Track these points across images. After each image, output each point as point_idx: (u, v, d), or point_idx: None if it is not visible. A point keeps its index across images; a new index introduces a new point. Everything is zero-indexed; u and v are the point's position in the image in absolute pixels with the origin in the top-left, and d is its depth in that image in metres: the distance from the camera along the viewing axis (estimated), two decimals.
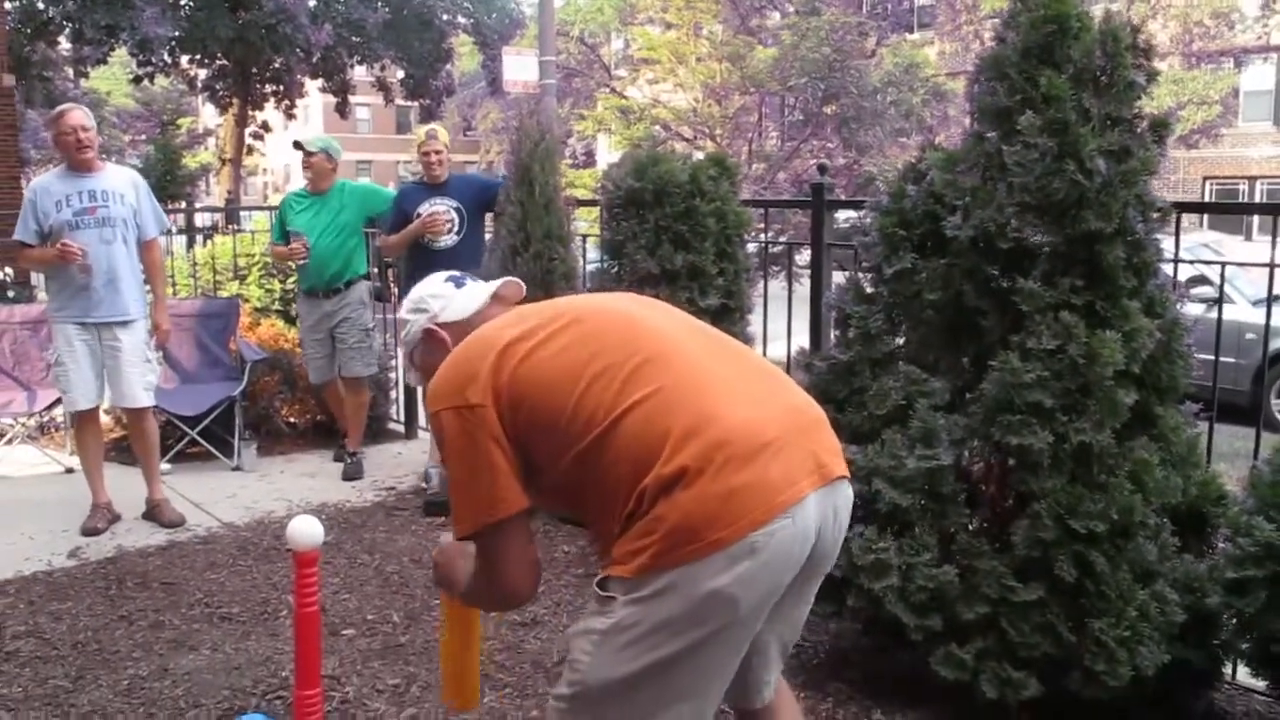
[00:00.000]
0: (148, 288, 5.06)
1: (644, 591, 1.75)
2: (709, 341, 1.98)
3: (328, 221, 5.71)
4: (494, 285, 2.19)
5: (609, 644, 1.79)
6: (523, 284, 2.22)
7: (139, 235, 4.95)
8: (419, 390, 6.21)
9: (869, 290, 3.30)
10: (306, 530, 2.59)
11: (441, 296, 2.15)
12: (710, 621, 1.75)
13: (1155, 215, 2.90)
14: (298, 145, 5.82)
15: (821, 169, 4.31)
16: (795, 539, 1.77)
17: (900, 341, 3.28)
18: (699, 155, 4.45)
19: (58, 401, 6.06)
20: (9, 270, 9.02)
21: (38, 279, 10.85)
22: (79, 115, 4.84)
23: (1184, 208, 3.20)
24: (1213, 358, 3.28)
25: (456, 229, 5.38)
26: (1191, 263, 3.80)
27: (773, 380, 1.94)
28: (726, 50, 19.27)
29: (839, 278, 3.97)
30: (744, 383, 1.88)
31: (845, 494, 1.91)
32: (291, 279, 7.14)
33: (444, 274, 2.23)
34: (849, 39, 17.74)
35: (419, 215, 5.38)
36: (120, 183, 4.92)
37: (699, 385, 1.83)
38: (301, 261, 5.70)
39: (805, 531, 1.79)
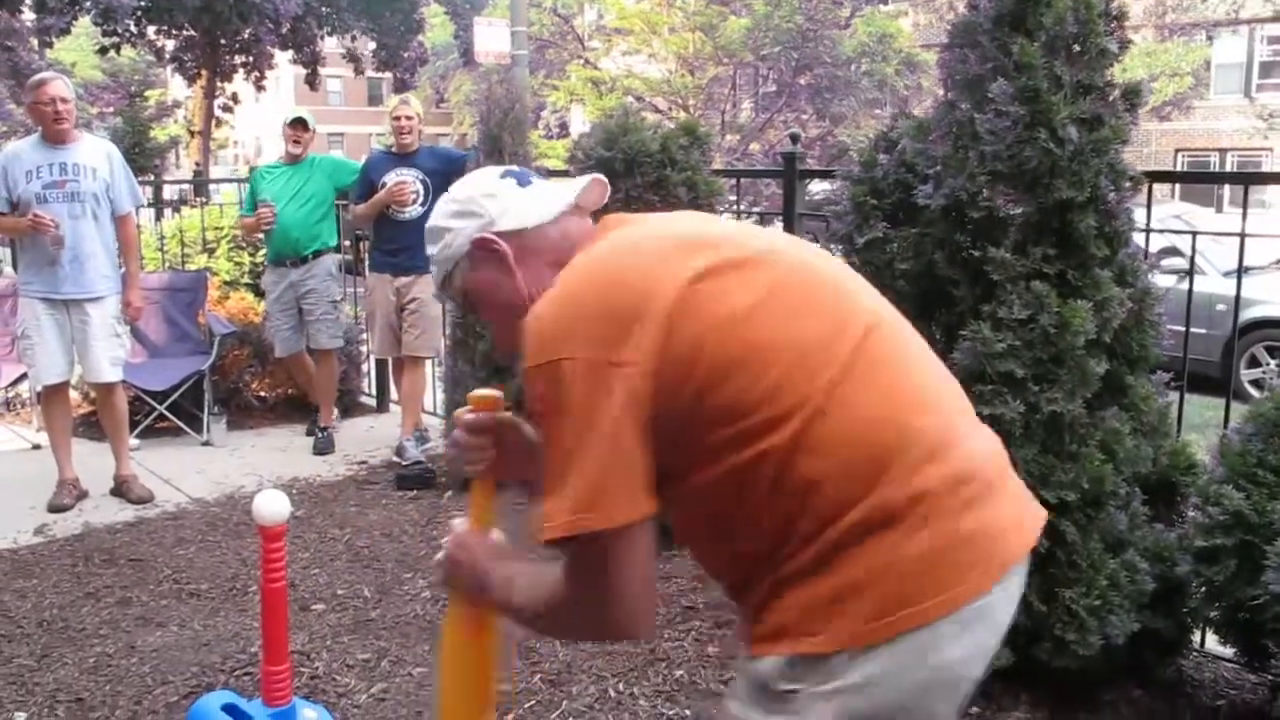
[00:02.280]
0: (121, 263, 4.99)
1: (847, 680, 1.28)
2: (912, 333, 1.47)
3: (295, 189, 5.71)
4: (575, 188, 1.56)
5: None
6: (606, 184, 1.60)
7: (112, 210, 4.86)
8: (389, 363, 6.17)
9: (840, 260, 3.28)
10: (273, 505, 2.55)
11: (500, 196, 1.53)
12: (921, 710, 1.32)
13: (1127, 184, 2.89)
14: (300, 122, 5.76)
15: (793, 138, 4.28)
16: (1005, 610, 1.37)
17: None
18: (671, 125, 4.41)
19: (23, 376, 5.98)
20: None
21: (3, 253, 10.72)
22: (59, 86, 4.76)
23: (1155, 177, 3.19)
24: (1184, 328, 3.29)
25: (422, 200, 5.34)
26: (1163, 232, 3.80)
27: (964, 398, 1.48)
28: (699, 20, 19.17)
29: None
30: (959, 400, 1.45)
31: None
32: (261, 252, 7.08)
33: (498, 168, 1.63)
34: (822, 8, 17.67)
35: (384, 184, 5.35)
36: (94, 156, 4.82)
37: (926, 392, 1.38)
38: (268, 227, 5.68)
39: (1011, 603, 1.38)
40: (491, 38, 11.10)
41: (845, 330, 1.36)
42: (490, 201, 1.53)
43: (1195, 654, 3.18)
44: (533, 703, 3.02)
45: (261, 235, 5.91)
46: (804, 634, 1.30)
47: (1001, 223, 2.83)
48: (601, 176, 1.59)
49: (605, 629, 1.42)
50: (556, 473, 1.31)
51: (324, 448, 5.76)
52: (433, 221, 1.59)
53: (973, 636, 1.32)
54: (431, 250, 1.59)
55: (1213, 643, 3.10)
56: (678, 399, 1.30)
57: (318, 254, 5.81)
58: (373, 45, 23.44)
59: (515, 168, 1.64)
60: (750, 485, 1.32)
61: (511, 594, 1.50)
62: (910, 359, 1.41)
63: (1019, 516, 1.40)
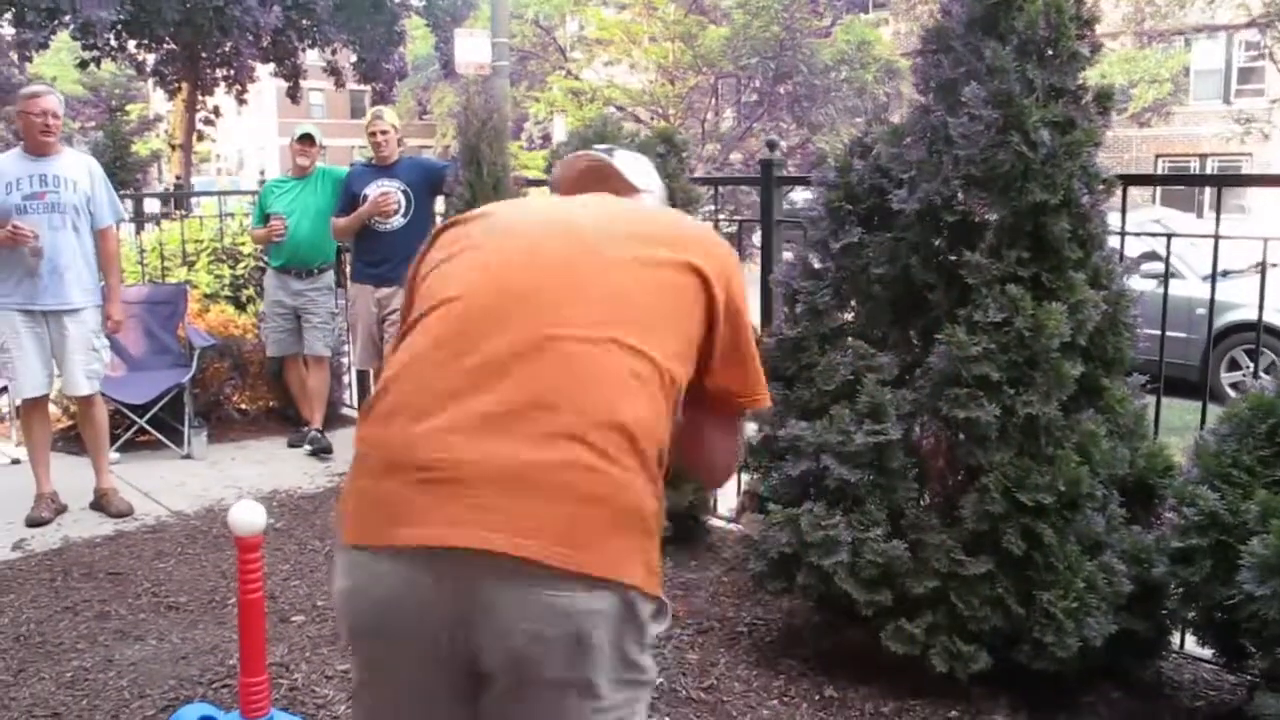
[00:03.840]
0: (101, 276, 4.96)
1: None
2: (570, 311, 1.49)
3: (306, 205, 5.84)
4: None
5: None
6: (580, 157, 1.93)
7: (92, 223, 4.85)
8: (370, 373, 6.17)
9: (816, 266, 3.29)
10: (248, 516, 2.54)
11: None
12: (362, 633, 1.47)
13: (1100, 187, 2.91)
14: (307, 137, 5.84)
15: (771, 145, 4.28)
16: (404, 583, 1.39)
17: (848, 317, 3.27)
18: (649, 134, 4.41)
19: (2, 391, 5.94)
20: None
21: None
22: (52, 100, 4.77)
23: (1130, 180, 3.21)
24: (1161, 333, 3.30)
25: (403, 211, 5.35)
26: (1138, 235, 3.82)
27: (562, 411, 1.41)
28: (679, 30, 19.23)
29: (790, 256, 3.96)
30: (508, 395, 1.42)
31: (501, 591, 1.35)
32: (242, 264, 7.09)
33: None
34: (800, 17, 17.74)
35: (365, 196, 5.37)
36: (75, 169, 4.81)
37: (443, 368, 1.45)
38: (279, 239, 5.78)
39: (383, 588, 1.41)
40: (472, 49, 11.10)
41: (456, 284, 1.53)
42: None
43: (1174, 655, 3.19)
44: None
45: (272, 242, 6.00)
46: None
47: (976, 226, 2.85)
48: (591, 153, 1.88)
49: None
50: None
51: (322, 448, 5.82)
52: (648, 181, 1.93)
53: (349, 580, 1.44)
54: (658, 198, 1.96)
55: (1191, 644, 3.11)
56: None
57: (322, 269, 5.98)
58: (354, 58, 23.41)
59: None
60: None
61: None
62: (475, 338, 1.47)
63: (450, 517, 1.36)
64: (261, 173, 8.49)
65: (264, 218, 5.89)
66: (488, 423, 1.39)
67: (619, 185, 1.85)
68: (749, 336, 1.67)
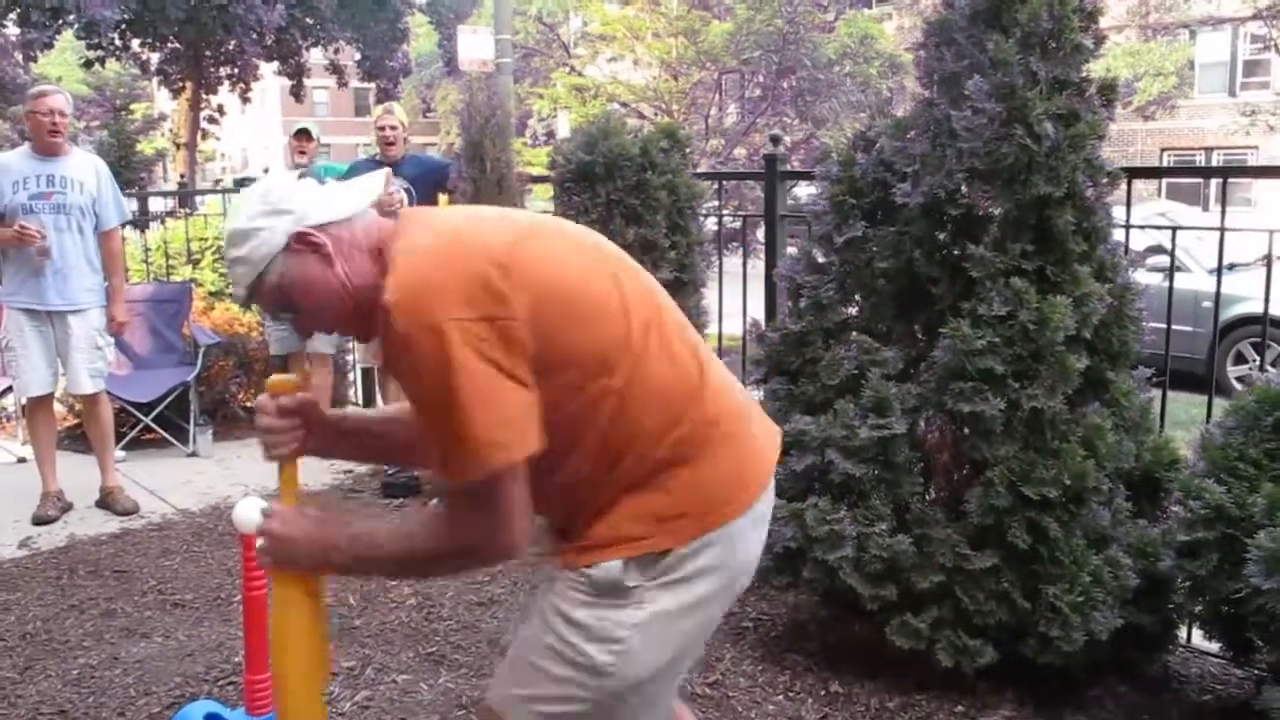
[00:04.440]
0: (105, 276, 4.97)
1: (683, 572, 1.59)
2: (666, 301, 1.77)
3: None
4: (375, 189, 1.75)
5: (648, 636, 1.59)
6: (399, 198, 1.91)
7: (97, 224, 4.85)
8: (375, 369, 6.15)
9: (820, 260, 3.28)
10: (252, 512, 2.52)
11: (302, 193, 1.63)
12: (734, 591, 1.70)
13: (1105, 180, 2.90)
14: (304, 132, 5.83)
15: (774, 139, 4.28)
16: (770, 505, 1.74)
17: (853, 311, 3.26)
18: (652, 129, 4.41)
19: (7, 390, 5.96)
20: None
21: None
22: (60, 100, 4.78)
23: (1134, 173, 3.20)
24: (1167, 326, 3.29)
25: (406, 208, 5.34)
26: (1143, 228, 3.80)
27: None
28: (681, 25, 19.18)
29: (794, 250, 3.96)
30: (704, 352, 1.75)
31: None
32: None
33: (288, 174, 1.84)
34: (803, 11, 17.69)
35: None
36: (82, 170, 4.82)
37: (690, 349, 1.68)
38: None
39: (771, 500, 1.76)
40: (475, 45, 11.07)
41: (639, 295, 1.64)
42: (296, 198, 1.62)
43: (1181, 649, 3.18)
44: None
45: None
46: (639, 538, 1.58)
47: (980, 220, 2.84)
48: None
49: (494, 555, 1.60)
50: (468, 419, 1.46)
51: None
52: (235, 226, 1.63)
53: (758, 533, 1.70)
54: (237, 253, 1.62)
55: (1198, 638, 3.11)
56: (534, 336, 1.51)
57: None
58: (357, 56, 23.42)
59: (305, 171, 1.80)
60: (589, 421, 1.56)
61: (375, 546, 1.68)
62: (675, 324, 1.69)
63: (768, 437, 1.76)
64: (265, 170, 8.50)
65: None
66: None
67: None
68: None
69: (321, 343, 5.87)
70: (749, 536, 1.68)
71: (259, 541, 1.75)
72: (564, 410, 1.54)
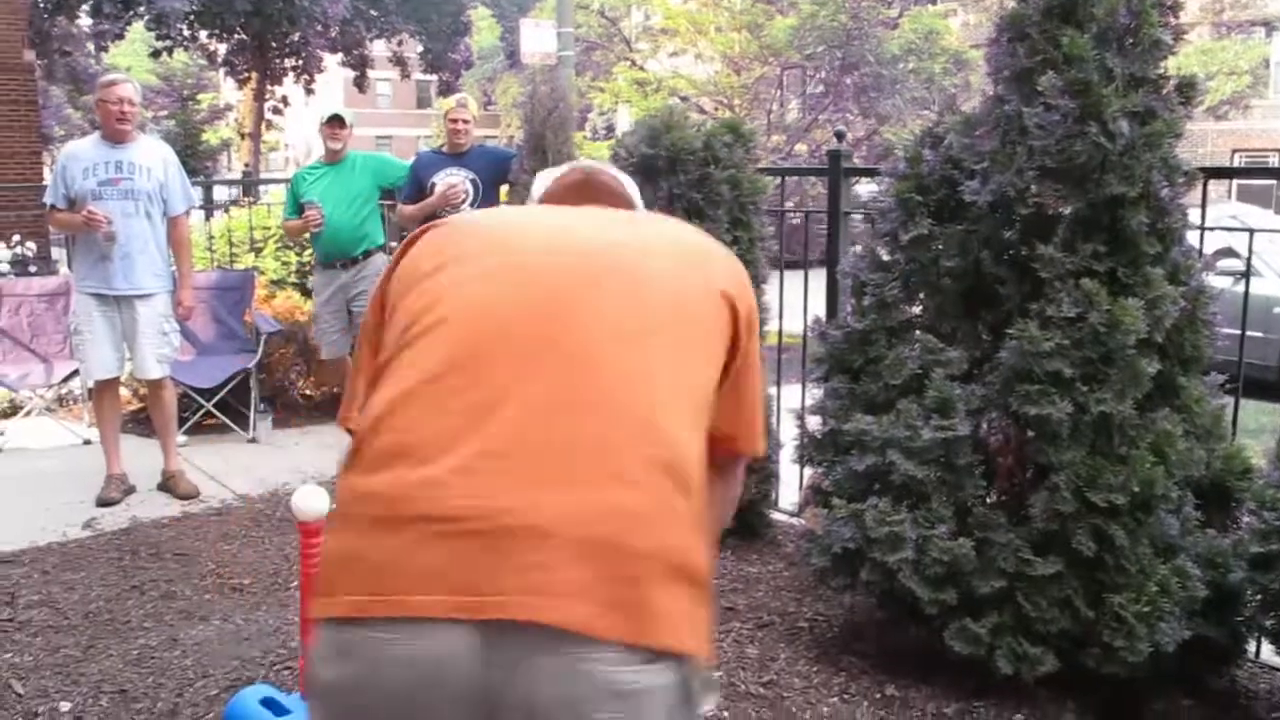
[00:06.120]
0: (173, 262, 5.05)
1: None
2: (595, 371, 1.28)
3: (341, 190, 5.66)
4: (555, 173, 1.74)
5: None
6: (587, 172, 1.70)
7: (165, 210, 4.93)
8: None
9: (885, 258, 3.23)
10: (311, 500, 2.55)
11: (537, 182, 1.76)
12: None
13: (1180, 180, 2.82)
14: (337, 119, 5.75)
15: (839, 135, 4.23)
16: (407, 671, 1.16)
17: (917, 310, 3.21)
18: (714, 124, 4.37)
19: (75, 373, 6.07)
20: (31, 244, 9.05)
21: (59, 253, 10.91)
22: (129, 89, 4.86)
23: (1210, 173, 3.11)
24: (1241, 332, 3.20)
25: (472, 200, 5.35)
26: (1217, 230, 3.71)
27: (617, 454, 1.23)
28: (745, 20, 19.11)
29: (858, 248, 3.91)
30: (567, 438, 1.23)
31: (549, 662, 1.14)
32: (309, 251, 7.11)
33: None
34: (866, 6, 17.55)
35: (434, 184, 5.35)
36: (150, 157, 4.89)
37: (451, 408, 1.26)
38: (317, 229, 5.62)
39: (421, 670, 1.15)
40: (537, 38, 11.10)
41: (443, 317, 1.32)
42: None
43: (1250, 664, 3.10)
44: None
45: (308, 236, 5.90)
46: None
47: (1050, 219, 2.78)
48: (585, 165, 1.71)
49: None
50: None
51: None
52: None
53: (351, 667, 1.18)
54: None
55: (1268, 652, 3.02)
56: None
57: (367, 254, 5.78)
58: (420, 48, 23.63)
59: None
60: None
61: None
62: (504, 382, 1.25)
63: (440, 569, 1.16)
64: (298, 163, 8.56)
65: (298, 208, 5.70)
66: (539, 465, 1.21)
67: (614, 200, 1.67)
68: (756, 377, 1.48)
69: None
70: (318, 659, 1.23)
71: None
72: None
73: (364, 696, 1.17)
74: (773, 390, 4.20)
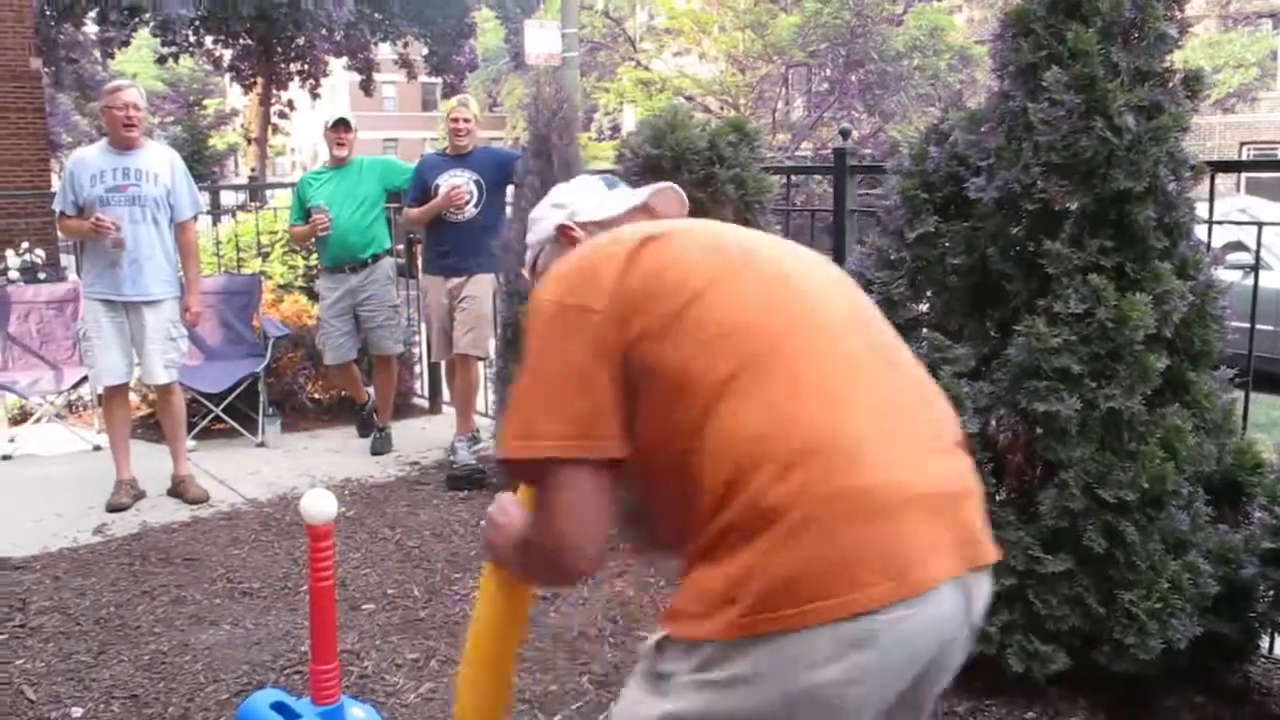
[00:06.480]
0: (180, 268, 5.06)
1: (718, 674, 1.28)
2: (870, 338, 1.48)
3: (347, 193, 5.67)
4: (645, 192, 1.78)
5: None
6: (683, 194, 1.80)
7: (172, 216, 4.94)
8: (442, 364, 6.18)
9: (891, 256, 3.22)
10: (320, 504, 2.55)
11: (584, 193, 1.79)
12: None
13: (1188, 174, 2.81)
14: (342, 123, 5.76)
15: (844, 133, 4.22)
16: (923, 635, 1.30)
17: (924, 307, 3.20)
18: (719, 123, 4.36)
19: (84, 380, 6.09)
20: (40, 251, 9.08)
21: (68, 260, 10.96)
22: (134, 94, 4.88)
23: (1218, 167, 3.09)
24: (1250, 325, 3.18)
25: (475, 201, 5.34)
26: (1225, 224, 3.69)
27: (931, 417, 1.46)
28: (749, 19, 19.10)
29: (864, 246, 3.90)
30: (901, 414, 1.40)
31: (985, 586, 1.41)
32: (315, 255, 7.12)
33: (597, 175, 1.95)
34: (871, 3, 17.53)
35: (438, 186, 5.35)
36: (157, 162, 4.91)
37: (846, 394, 1.35)
38: (324, 233, 5.63)
39: (936, 627, 1.32)
40: (542, 39, 11.12)
41: (773, 320, 1.39)
42: (577, 196, 1.79)
43: (1263, 660, 3.08)
44: (580, 704, 3.00)
45: (314, 241, 5.89)
46: (688, 618, 1.31)
47: (1057, 215, 2.77)
48: (675, 188, 1.80)
49: (550, 556, 1.43)
50: (533, 395, 1.43)
51: (381, 448, 5.80)
52: (534, 212, 1.85)
53: (860, 658, 1.26)
54: (528, 236, 1.84)
55: None
56: (628, 336, 1.38)
57: (376, 258, 5.79)
58: (425, 50, 23.67)
59: (609, 175, 1.96)
60: (664, 454, 1.37)
61: (512, 543, 1.57)
62: (847, 365, 1.39)
63: (948, 543, 1.32)
64: (305, 167, 8.56)
65: (304, 214, 5.71)
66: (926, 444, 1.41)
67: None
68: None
69: (388, 343, 5.89)
70: (821, 660, 1.26)
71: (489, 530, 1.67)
72: (645, 435, 1.39)
73: (860, 687, 1.28)
74: None
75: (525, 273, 1.85)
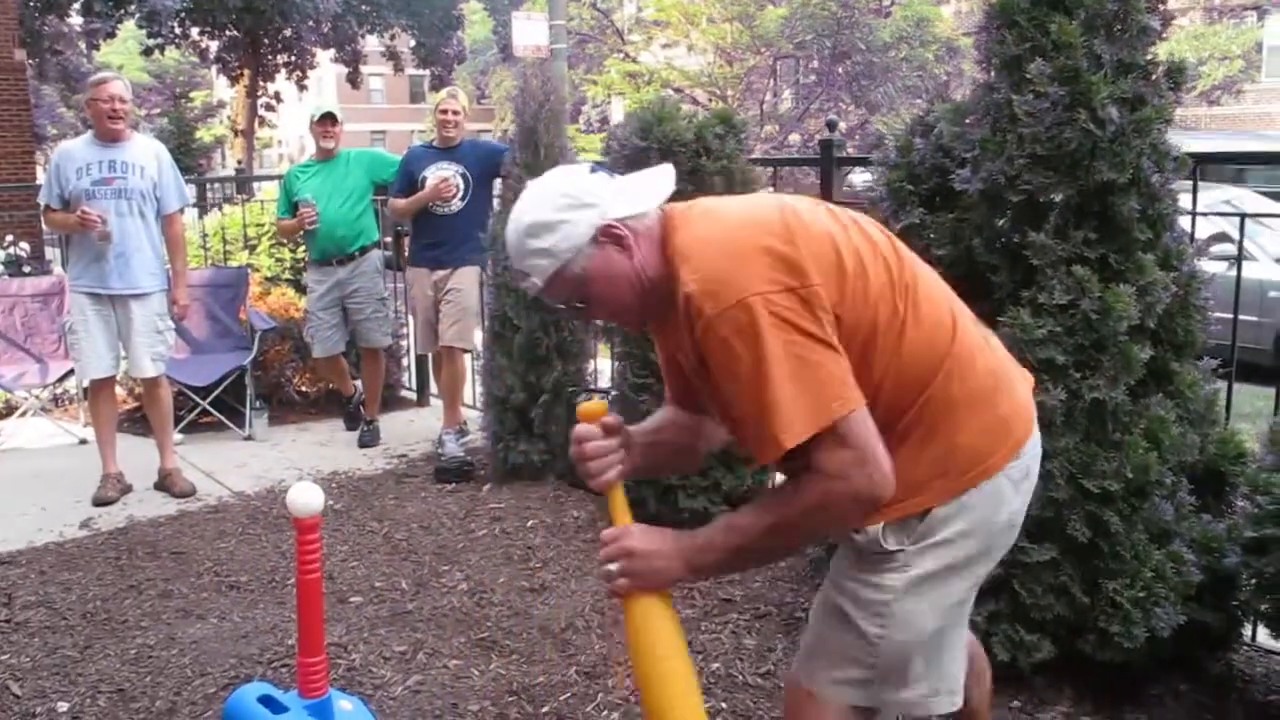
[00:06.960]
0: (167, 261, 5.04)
1: (944, 533, 1.67)
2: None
3: (334, 186, 5.65)
4: (665, 180, 1.75)
5: (911, 600, 1.68)
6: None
7: (159, 209, 4.92)
8: (429, 356, 6.17)
9: None
10: (306, 497, 2.55)
11: (604, 187, 1.68)
12: (998, 552, 1.77)
13: (1171, 165, 2.82)
14: (329, 116, 5.72)
15: (830, 125, 4.23)
16: (1037, 460, 1.79)
17: None
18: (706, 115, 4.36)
19: (70, 373, 6.07)
20: (25, 245, 9.04)
21: (53, 253, 10.91)
22: (119, 86, 4.85)
23: (1201, 158, 3.10)
24: (1234, 316, 3.20)
25: (462, 194, 5.33)
26: (1209, 215, 3.70)
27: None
28: (736, 10, 19.09)
29: None
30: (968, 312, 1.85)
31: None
32: (303, 248, 7.10)
33: (580, 165, 1.77)
34: None
35: (424, 178, 5.33)
36: (143, 155, 4.89)
37: (953, 308, 1.77)
38: (311, 226, 5.61)
39: (1038, 454, 1.81)
40: (530, 32, 11.11)
41: (887, 253, 1.72)
42: (600, 191, 1.67)
43: (1246, 648, 3.10)
44: (568, 695, 3.00)
45: (302, 234, 5.88)
46: (898, 503, 1.62)
47: (1041, 207, 2.77)
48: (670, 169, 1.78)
49: (873, 493, 1.58)
50: (797, 382, 1.53)
51: (369, 440, 5.80)
52: (536, 218, 1.67)
53: (1020, 491, 1.73)
54: (539, 244, 1.67)
55: (1264, 636, 3.03)
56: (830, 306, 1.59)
57: (364, 250, 5.78)
58: (412, 43, 23.59)
59: (594, 163, 1.85)
60: (865, 379, 1.60)
61: (745, 531, 1.65)
62: (920, 277, 1.76)
63: (1026, 383, 1.83)
64: (292, 159, 8.53)
65: (291, 207, 5.69)
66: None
67: None
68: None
69: (376, 336, 5.88)
70: (1008, 496, 1.71)
71: (612, 566, 1.72)
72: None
73: (1025, 505, 1.79)
74: None
75: (538, 284, 1.70)
